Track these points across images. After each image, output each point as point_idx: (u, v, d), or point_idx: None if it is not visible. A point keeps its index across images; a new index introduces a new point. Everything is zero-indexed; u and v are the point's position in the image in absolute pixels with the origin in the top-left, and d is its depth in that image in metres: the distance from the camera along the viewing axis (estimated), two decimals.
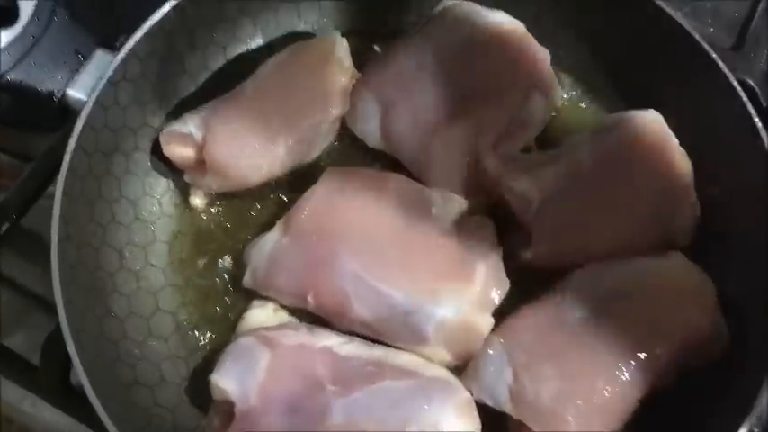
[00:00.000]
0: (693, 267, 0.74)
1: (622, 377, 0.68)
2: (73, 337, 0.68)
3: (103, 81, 0.76)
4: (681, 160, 0.79)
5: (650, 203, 0.76)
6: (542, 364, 0.70)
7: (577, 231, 0.76)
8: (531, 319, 0.74)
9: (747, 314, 0.72)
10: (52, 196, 0.75)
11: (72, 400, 0.77)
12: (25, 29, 0.77)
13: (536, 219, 0.76)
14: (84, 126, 0.75)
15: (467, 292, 0.73)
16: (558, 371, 0.69)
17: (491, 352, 0.72)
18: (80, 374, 0.67)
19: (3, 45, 0.76)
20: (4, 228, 0.83)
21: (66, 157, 0.73)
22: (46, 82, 0.79)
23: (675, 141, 0.80)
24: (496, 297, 0.75)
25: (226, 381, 0.70)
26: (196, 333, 0.79)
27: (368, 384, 0.70)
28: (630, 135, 0.78)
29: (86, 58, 0.80)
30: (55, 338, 0.72)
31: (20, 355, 0.83)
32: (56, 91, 0.79)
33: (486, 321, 0.74)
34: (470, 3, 0.89)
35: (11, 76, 0.77)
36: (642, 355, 0.68)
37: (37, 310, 0.94)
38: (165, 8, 0.80)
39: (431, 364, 0.73)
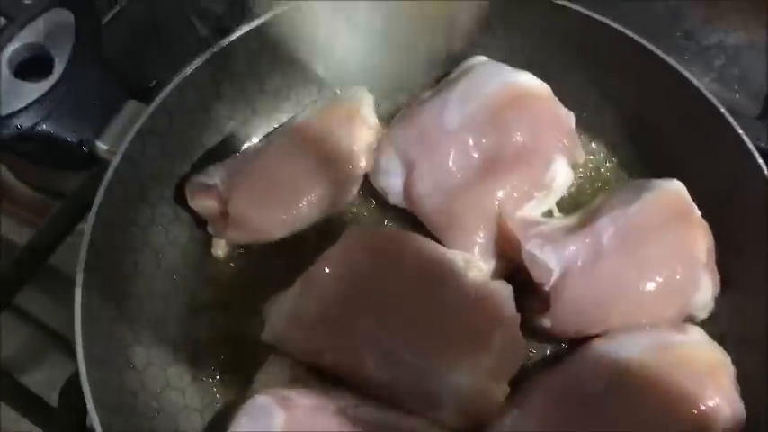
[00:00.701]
0: (712, 344, 0.74)
1: None
2: (92, 391, 0.69)
3: (132, 133, 0.78)
4: (703, 233, 0.78)
5: (670, 276, 0.76)
6: None
7: (596, 302, 0.76)
8: (547, 388, 0.74)
9: (763, 397, 0.72)
10: (77, 233, 0.77)
11: None
12: (58, 81, 0.79)
13: (555, 289, 0.76)
14: (111, 178, 0.76)
15: (483, 360, 0.73)
16: None
17: (505, 421, 0.72)
18: (97, 429, 0.68)
19: (36, 97, 0.77)
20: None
21: (93, 209, 0.75)
22: (76, 132, 0.80)
23: (698, 214, 0.79)
24: (513, 365, 0.75)
25: None
26: (213, 385, 0.80)
27: None
28: (652, 206, 0.78)
29: (117, 109, 0.81)
30: (74, 382, 0.73)
31: (37, 394, 0.84)
32: (85, 141, 0.80)
33: (501, 390, 0.73)
34: (496, 62, 0.90)
35: (42, 127, 0.78)
36: None
37: (57, 349, 0.95)
38: (197, 62, 0.81)
39: (443, 430, 0.73)
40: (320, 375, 0.78)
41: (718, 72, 0.97)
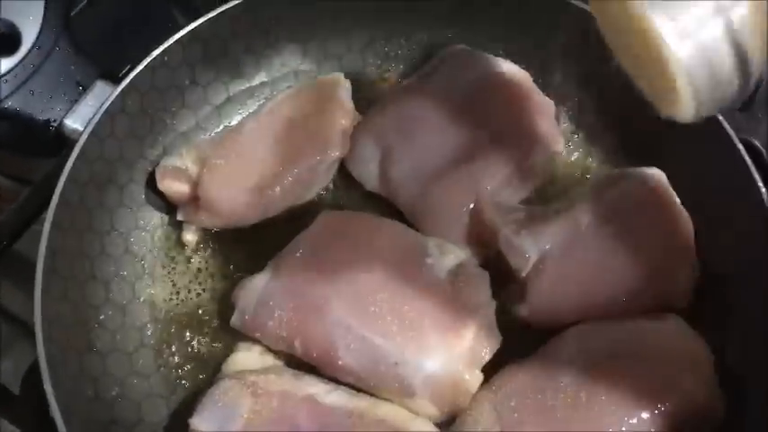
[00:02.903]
0: (691, 333, 0.72)
1: None
2: (50, 373, 0.66)
3: (101, 112, 0.76)
4: (682, 220, 0.77)
5: (649, 264, 0.74)
6: (530, 424, 0.68)
7: (574, 290, 0.74)
8: (521, 376, 0.71)
9: (746, 386, 0.70)
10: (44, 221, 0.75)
11: None
12: (26, 57, 0.77)
13: (532, 275, 0.74)
14: (78, 157, 0.74)
15: (457, 347, 0.71)
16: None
17: (479, 408, 0.70)
18: (54, 414, 0.65)
19: (2, 72, 0.75)
20: None
21: (58, 189, 0.73)
22: (44, 111, 0.78)
23: (677, 200, 0.78)
24: (487, 352, 0.73)
25: (205, 425, 0.68)
26: (179, 372, 0.78)
27: None
28: (632, 193, 0.77)
29: (87, 88, 0.79)
30: (36, 369, 0.70)
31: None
32: (52, 120, 0.78)
33: (475, 377, 0.72)
34: (477, 50, 0.89)
35: (8, 104, 0.77)
36: (632, 423, 0.66)
37: (25, 338, 0.92)
38: (169, 42, 0.80)
39: (416, 417, 0.71)
40: (291, 364, 0.76)
41: None
